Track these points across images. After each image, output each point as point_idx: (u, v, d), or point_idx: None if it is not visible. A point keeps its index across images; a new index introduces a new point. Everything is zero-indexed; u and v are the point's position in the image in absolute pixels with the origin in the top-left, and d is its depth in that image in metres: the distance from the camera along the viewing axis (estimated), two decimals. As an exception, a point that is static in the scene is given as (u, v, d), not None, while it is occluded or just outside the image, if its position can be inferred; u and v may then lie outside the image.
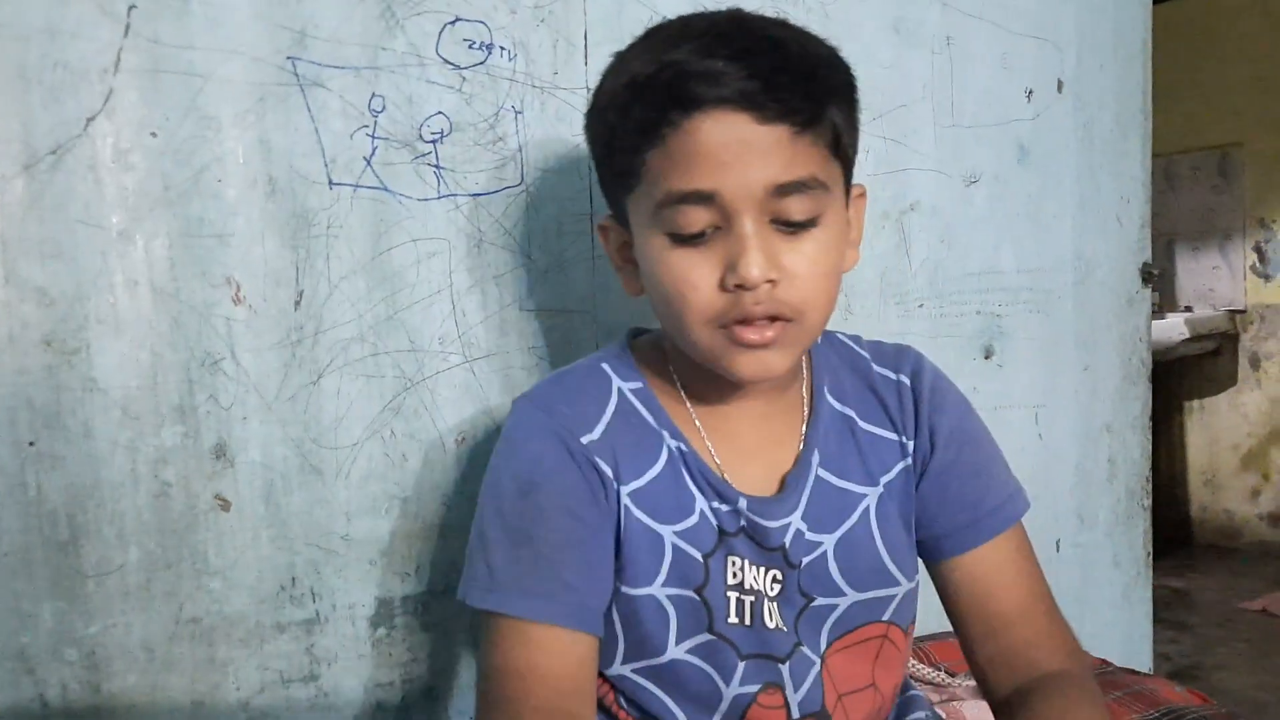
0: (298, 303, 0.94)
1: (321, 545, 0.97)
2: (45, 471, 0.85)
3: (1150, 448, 1.73)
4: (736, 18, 0.75)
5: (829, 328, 0.90)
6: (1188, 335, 3.41)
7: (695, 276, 0.73)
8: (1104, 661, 1.33)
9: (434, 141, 0.99)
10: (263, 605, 0.95)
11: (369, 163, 0.96)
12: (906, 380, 0.87)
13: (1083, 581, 1.63)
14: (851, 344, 0.91)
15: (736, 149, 0.70)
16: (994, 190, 1.46)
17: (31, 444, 0.85)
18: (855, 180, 0.81)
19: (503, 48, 1.02)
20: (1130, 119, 1.63)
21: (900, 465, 0.85)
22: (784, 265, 0.72)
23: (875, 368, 0.88)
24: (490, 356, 1.04)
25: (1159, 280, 1.75)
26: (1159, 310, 3.48)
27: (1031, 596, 0.84)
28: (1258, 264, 3.61)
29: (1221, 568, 3.43)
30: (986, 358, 1.47)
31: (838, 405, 0.86)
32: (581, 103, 1.08)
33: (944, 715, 1.03)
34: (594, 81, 1.08)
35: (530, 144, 1.05)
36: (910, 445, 0.85)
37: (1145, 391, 1.71)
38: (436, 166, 1.00)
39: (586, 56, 1.08)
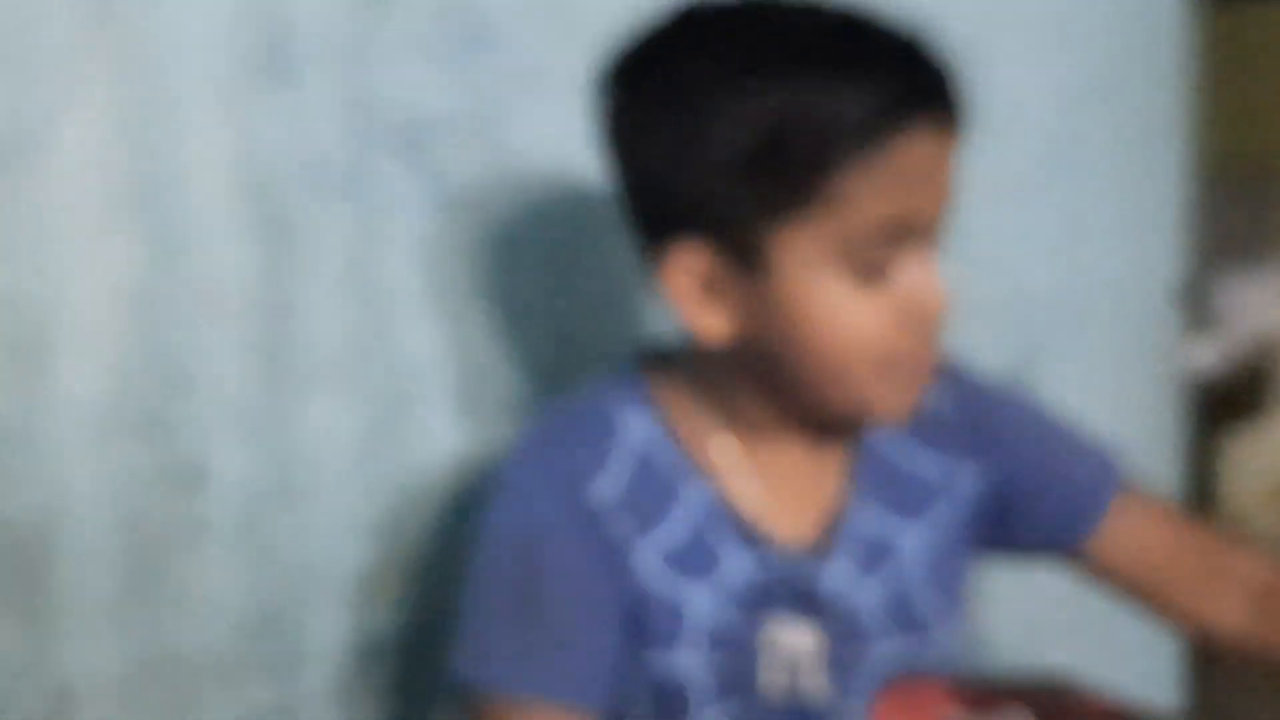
0: (277, 314, 0.90)
1: (302, 575, 0.93)
2: (7, 492, 0.82)
3: (1183, 472, 1.68)
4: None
5: None
6: (1218, 360, 3.40)
7: (880, 321, 0.66)
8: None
9: (421, 139, 0.95)
10: (239, 637, 0.90)
11: (351, 162, 0.92)
12: (948, 398, 0.80)
13: (1111, 608, 1.58)
14: None
15: (939, 166, 0.67)
16: (1022, 200, 1.40)
17: (-11, 462, 0.81)
18: None
19: (496, 39, 0.97)
20: (1168, 128, 1.58)
21: (949, 496, 0.80)
22: None
23: None
24: (483, 376, 1.00)
25: (1193, 302, 1.73)
26: (1192, 334, 3.48)
27: (1182, 529, 0.84)
28: (1293, 288, 3.58)
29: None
30: (1018, 378, 1.42)
31: (880, 432, 0.79)
32: (580, 101, 1.03)
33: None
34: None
35: (528, 144, 1.00)
36: (963, 470, 0.80)
37: (1179, 414, 1.67)
38: (424, 167, 0.95)
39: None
